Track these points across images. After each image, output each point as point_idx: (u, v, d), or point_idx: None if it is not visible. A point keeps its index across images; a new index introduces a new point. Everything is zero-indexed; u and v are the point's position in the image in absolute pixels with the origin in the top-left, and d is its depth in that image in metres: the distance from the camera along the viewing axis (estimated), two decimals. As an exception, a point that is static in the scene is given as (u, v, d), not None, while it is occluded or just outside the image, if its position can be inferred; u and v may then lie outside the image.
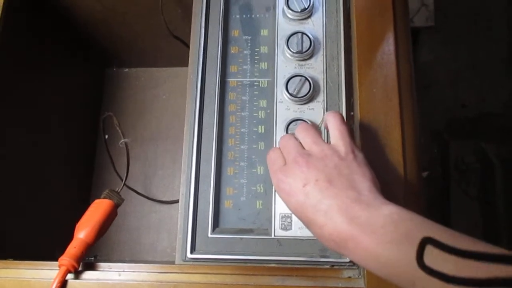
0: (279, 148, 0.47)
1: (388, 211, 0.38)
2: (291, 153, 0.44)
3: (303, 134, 0.46)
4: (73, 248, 0.46)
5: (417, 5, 1.31)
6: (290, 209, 0.44)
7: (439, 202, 1.23)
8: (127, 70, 0.99)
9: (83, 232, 0.48)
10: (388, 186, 0.47)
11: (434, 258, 0.32)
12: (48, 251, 0.51)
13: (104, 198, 0.52)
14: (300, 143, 0.45)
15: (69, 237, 0.50)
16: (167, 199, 0.89)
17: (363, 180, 0.41)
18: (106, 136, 0.80)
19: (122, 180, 0.64)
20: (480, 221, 1.20)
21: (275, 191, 0.51)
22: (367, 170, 0.42)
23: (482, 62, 1.36)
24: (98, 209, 0.50)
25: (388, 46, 0.51)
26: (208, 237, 0.50)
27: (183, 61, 0.57)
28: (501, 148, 1.26)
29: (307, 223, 0.42)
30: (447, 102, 1.33)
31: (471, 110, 1.32)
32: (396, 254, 0.35)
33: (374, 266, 0.38)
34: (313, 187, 0.41)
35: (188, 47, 0.57)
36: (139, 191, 0.85)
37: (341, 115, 0.47)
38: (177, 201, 0.52)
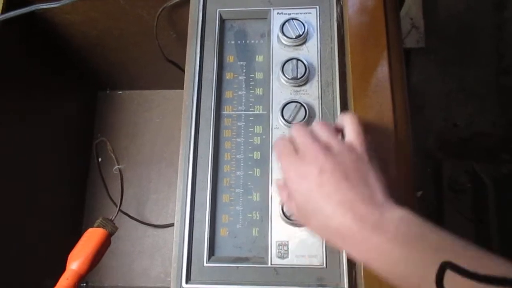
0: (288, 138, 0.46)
1: (401, 213, 0.38)
2: (307, 142, 0.43)
3: (321, 128, 0.45)
4: (66, 280, 0.45)
5: (408, 27, 1.33)
6: (296, 194, 0.42)
7: (433, 222, 1.23)
8: (120, 92, 0.99)
9: (76, 263, 0.47)
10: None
11: (451, 281, 0.32)
12: (40, 281, 0.50)
13: (98, 226, 0.51)
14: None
15: (62, 266, 0.49)
16: (160, 223, 0.88)
17: (377, 181, 0.40)
18: (100, 159, 0.79)
19: (116, 206, 0.63)
20: (474, 241, 1.20)
21: (271, 218, 0.50)
22: (381, 174, 0.42)
23: (472, 83, 1.37)
24: (91, 238, 0.49)
25: (383, 73, 0.52)
26: (203, 266, 0.49)
27: (177, 84, 0.57)
28: (492, 168, 1.27)
29: (310, 213, 0.41)
30: (439, 122, 1.34)
31: (462, 131, 1.33)
32: (408, 253, 0.35)
33: (382, 265, 0.37)
34: (328, 177, 0.40)
35: (183, 70, 0.57)
36: (132, 215, 0.83)
37: (359, 117, 0.45)
38: (171, 225, 0.51)
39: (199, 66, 0.56)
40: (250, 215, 0.52)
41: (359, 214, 0.38)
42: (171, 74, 0.78)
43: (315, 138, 0.44)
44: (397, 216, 0.37)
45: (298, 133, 0.45)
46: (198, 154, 0.53)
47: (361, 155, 0.42)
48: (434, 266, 0.33)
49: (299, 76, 0.54)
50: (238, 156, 0.54)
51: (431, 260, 0.34)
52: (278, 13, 0.58)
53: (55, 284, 0.46)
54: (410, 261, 0.35)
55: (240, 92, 0.56)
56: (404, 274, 0.36)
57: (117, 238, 0.85)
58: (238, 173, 0.54)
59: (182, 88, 0.56)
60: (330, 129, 0.45)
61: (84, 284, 0.84)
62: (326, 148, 0.42)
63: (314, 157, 0.42)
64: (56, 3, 0.63)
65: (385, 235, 0.36)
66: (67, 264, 0.48)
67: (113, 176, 0.72)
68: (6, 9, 0.62)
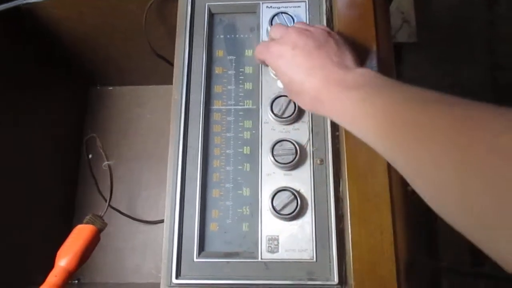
0: None
1: (363, 70, 0.42)
2: (284, 30, 0.48)
3: (297, 23, 0.52)
4: (54, 277, 0.45)
5: (399, 22, 1.33)
6: (278, 73, 0.48)
7: (425, 219, 1.23)
8: (111, 88, 0.98)
9: (64, 259, 0.46)
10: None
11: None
12: (31, 278, 0.50)
13: (87, 223, 0.51)
14: None
15: (51, 262, 0.48)
16: (152, 219, 0.87)
17: (347, 53, 0.45)
18: (90, 156, 0.78)
19: (106, 202, 0.62)
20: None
21: (261, 213, 0.50)
22: (351, 50, 0.47)
23: (464, 78, 1.38)
24: (80, 235, 0.49)
25: (371, 67, 0.52)
26: (193, 261, 0.49)
27: (168, 79, 0.57)
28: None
29: (288, 82, 0.46)
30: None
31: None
32: (360, 94, 0.39)
33: (345, 116, 0.40)
34: (301, 50, 0.45)
35: (172, 65, 0.57)
36: (123, 211, 0.83)
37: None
38: (162, 221, 0.51)
39: (188, 60, 0.56)
40: (240, 210, 0.52)
41: (327, 75, 0.42)
42: (162, 69, 0.77)
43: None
44: (359, 72, 0.42)
45: (276, 29, 0.51)
46: (188, 149, 0.53)
47: (333, 35, 0.48)
48: (373, 98, 0.37)
49: (288, 70, 0.54)
50: (227, 151, 0.54)
51: (374, 95, 0.38)
52: (267, 6, 0.58)
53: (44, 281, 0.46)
54: (356, 99, 0.39)
55: (229, 87, 0.56)
56: (350, 116, 0.39)
57: (108, 235, 0.86)
58: (228, 168, 0.53)
59: (172, 83, 0.55)
60: (306, 24, 0.51)
61: (76, 281, 0.83)
62: (300, 29, 0.47)
63: (289, 37, 0.47)
64: (40, -3, 0.62)
65: (345, 85, 0.41)
66: (56, 261, 0.47)
67: (104, 173, 0.71)
68: (-10, 4, 0.61)
